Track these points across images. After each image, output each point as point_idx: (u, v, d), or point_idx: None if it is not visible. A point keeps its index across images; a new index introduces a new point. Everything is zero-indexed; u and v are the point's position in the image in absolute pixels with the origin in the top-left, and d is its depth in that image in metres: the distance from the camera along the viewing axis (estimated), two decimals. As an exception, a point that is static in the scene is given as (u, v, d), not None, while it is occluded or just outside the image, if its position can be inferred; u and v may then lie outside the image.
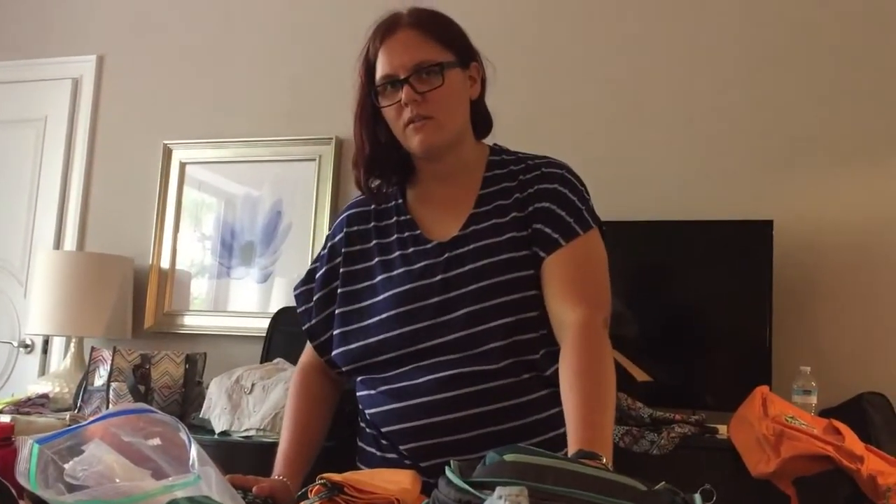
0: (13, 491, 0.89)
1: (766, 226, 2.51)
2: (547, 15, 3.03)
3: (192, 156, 3.41)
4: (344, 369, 1.38)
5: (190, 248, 3.38)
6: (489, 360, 1.26)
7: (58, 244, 3.56)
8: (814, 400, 2.31)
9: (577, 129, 2.89)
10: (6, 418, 2.47)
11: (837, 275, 2.60)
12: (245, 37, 3.43)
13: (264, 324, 2.97)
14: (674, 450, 2.17)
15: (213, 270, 3.33)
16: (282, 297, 3.19)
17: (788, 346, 2.53)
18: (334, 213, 3.13)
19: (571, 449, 1.05)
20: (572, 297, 1.25)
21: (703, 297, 2.60)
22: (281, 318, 2.92)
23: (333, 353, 1.38)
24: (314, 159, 3.21)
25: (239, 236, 3.31)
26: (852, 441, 2.02)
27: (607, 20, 2.96)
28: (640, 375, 2.40)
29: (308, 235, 3.18)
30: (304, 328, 1.45)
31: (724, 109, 2.78)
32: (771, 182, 2.70)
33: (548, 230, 1.31)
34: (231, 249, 3.31)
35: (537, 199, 1.33)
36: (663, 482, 0.83)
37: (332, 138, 3.18)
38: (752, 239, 2.52)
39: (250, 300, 3.27)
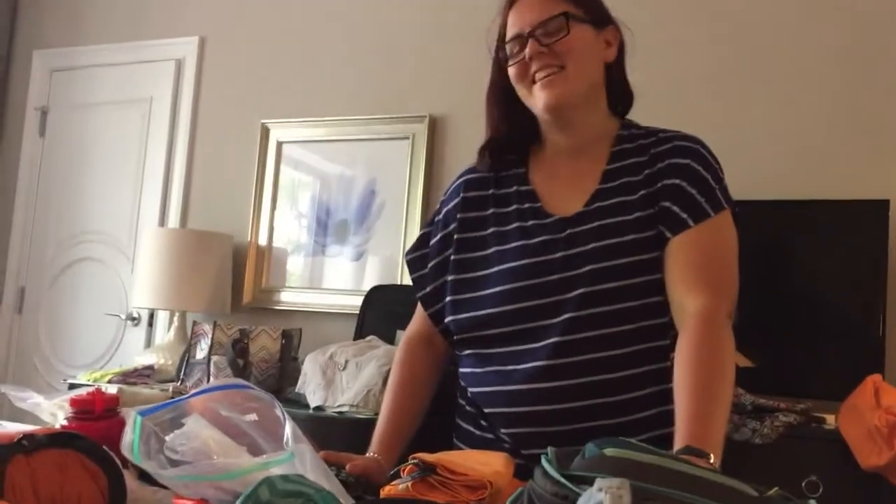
0: (118, 461, 0.91)
1: (881, 206, 2.36)
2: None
3: (288, 135, 3.46)
4: (455, 338, 1.34)
5: (286, 226, 3.45)
6: (609, 346, 1.20)
7: (162, 221, 3.68)
8: (931, 392, 2.17)
9: (683, 104, 2.77)
10: (113, 389, 2.58)
11: (960, 258, 2.43)
12: (339, 16, 3.44)
13: (357, 301, 2.99)
14: (777, 439, 2.08)
15: (308, 248, 3.39)
16: (375, 275, 3.21)
17: (904, 333, 2.39)
18: (427, 191, 3.13)
19: (678, 444, 1.00)
20: (696, 284, 1.18)
21: (813, 280, 2.47)
22: (374, 297, 2.94)
23: (446, 320, 1.35)
24: (407, 137, 3.21)
25: (333, 214, 3.35)
26: (975, 436, 1.89)
27: (711, -10, 2.84)
28: (742, 361, 2.31)
29: (401, 214, 3.18)
30: (417, 296, 1.42)
31: (837, 84, 2.63)
32: (887, 159, 2.53)
33: (676, 209, 1.24)
34: (326, 227, 3.36)
35: (668, 175, 1.26)
36: (776, 488, 0.76)
37: (425, 116, 3.17)
38: (867, 219, 2.38)
39: (344, 278, 3.30)
